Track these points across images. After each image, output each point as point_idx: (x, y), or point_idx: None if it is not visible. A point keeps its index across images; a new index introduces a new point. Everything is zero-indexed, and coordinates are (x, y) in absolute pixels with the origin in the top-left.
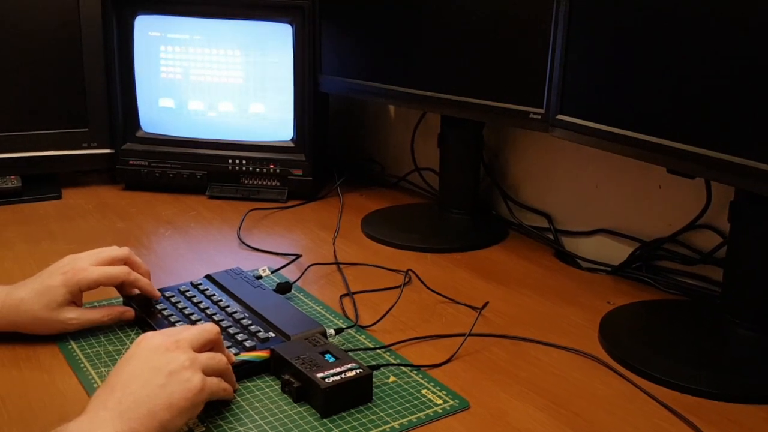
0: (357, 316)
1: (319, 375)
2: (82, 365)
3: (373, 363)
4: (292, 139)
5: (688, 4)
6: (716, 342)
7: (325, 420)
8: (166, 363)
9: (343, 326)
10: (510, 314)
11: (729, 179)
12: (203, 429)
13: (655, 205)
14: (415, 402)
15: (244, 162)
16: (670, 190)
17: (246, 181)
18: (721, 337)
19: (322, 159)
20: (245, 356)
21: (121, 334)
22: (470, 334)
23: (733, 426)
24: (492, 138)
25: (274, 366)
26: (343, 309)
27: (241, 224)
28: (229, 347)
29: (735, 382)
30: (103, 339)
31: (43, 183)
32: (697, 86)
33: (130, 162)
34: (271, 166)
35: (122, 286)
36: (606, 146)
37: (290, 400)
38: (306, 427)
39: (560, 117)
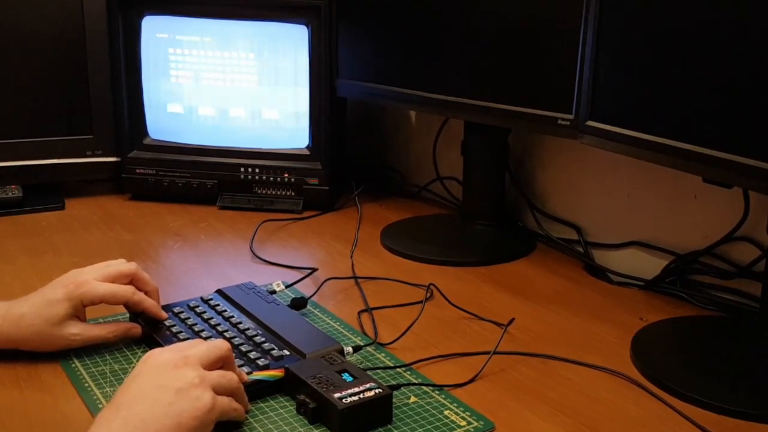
0: (376, 333)
1: (336, 395)
2: (87, 385)
3: (393, 382)
4: (307, 147)
5: (725, 6)
6: (755, 360)
7: None
8: (174, 380)
9: (362, 344)
10: (537, 331)
11: None
12: None
13: (690, 216)
14: (437, 423)
15: (257, 170)
16: (706, 200)
17: (259, 191)
18: (761, 354)
19: (339, 168)
20: (258, 375)
21: (128, 352)
22: (495, 352)
23: None
24: (518, 145)
25: (288, 386)
26: (361, 326)
27: (253, 236)
28: (241, 366)
29: None
30: (108, 357)
31: (45, 193)
32: (734, 91)
33: (137, 171)
34: (286, 175)
35: (127, 304)
36: (638, 154)
37: (305, 421)
38: None
39: (590, 123)
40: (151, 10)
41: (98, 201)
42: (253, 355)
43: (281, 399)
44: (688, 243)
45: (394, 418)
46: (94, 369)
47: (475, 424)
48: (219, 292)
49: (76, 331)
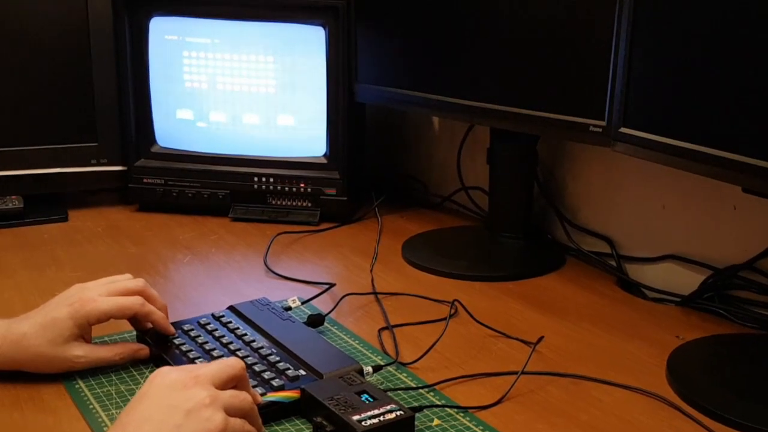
0: (397, 352)
1: (355, 417)
2: (91, 407)
3: (416, 404)
4: (324, 155)
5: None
6: None
7: None
8: (183, 401)
9: (382, 363)
10: (568, 350)
11: None
12: None
13: (730, 228)
14: None
15: (271, 180)
16: (746, 211)
17: (273, 202)
18: None
19: (358, 177)
20: (273, 396)
21: (135, 372)
22: (523, 372)
23: None
24: (547, 153)
25: (304, 407)
26: (381, 344)
27: (267, 249)
28: (254, 386)
29: None
30: (114, 377)
31: (47, 204)
32: None
33: (145, 180)
34: (302, 185)
35: (135, 319)
36: (674, 163)
37: None
38: None
39: (623, 130)
40: (160, 11)
41: (103, 212)
42: (267, 375)
43: (297, 421)
44: (727, 256)
45: None
46: (99, 390)
47: None
48: (231, 308)
49: (81, 353)
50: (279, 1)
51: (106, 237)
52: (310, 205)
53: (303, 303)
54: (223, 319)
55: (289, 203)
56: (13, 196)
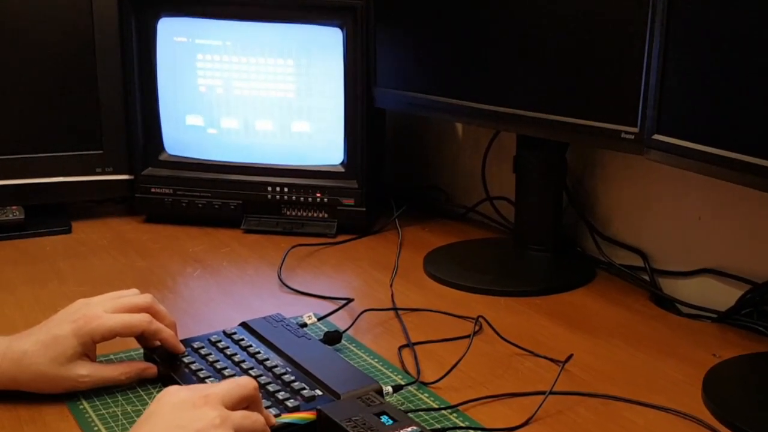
0: (418, 371)
1: None
2: (96, 428)
3: (438, 426)
4: (342, 163)
5: None
6: None
7: None
8: (192, 421)
9: (403, 383)
10: (598, 369)
11: None
12: None
13: None
14: None
15: (285, 190)
16: None
17: (288, 213)
18: None
19: (377, 186)
20: (287, 418)
21: (142, 392)
22: (552, 392)
23: None
24: (577, 162)
25: (321, 429)
26: (402, 362)
27: (282, 263)
28: (268, 407)
29: None
30: (120, 397)
31: (50, 214)
32: None
33: (152, 190)
34: (318, 195)
35: (143, 337)
36: (711, 171)
37: None
38: None
39: (657, 137)
40: (168, 11)
41: (109, 223)
42: (281, 395)
43: None
44: (766, 271)
45: None
46: (104, 411)
47: None
48: (244, 325)
49: (85, 372)
50: (293, 1)
51: (112, 249)
52: (326, 216)
53: (319, 319)
54: (235, 337)
55: (304, 214)
56: (14, 207)
